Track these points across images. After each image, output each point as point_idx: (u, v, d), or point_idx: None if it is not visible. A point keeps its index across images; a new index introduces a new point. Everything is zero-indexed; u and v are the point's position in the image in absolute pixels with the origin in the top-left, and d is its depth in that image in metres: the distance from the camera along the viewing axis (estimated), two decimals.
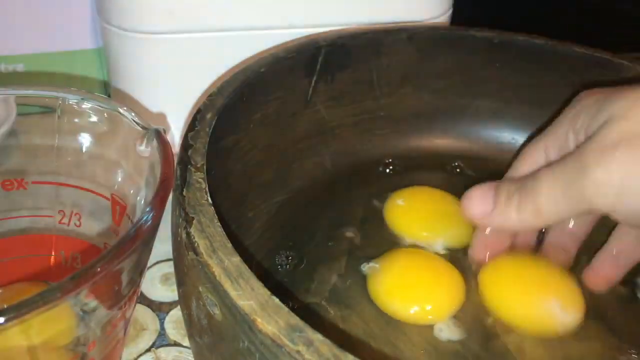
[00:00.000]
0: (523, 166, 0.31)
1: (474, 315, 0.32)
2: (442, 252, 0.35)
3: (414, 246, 0.35)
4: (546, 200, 0.27)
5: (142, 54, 0.41)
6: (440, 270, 0.33)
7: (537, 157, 0.30)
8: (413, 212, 0.36)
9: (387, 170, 0.40)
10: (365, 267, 0.34)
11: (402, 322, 0.31)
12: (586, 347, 0.30)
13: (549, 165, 0.28)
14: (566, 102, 0.40)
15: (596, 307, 0.32)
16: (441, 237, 0.35)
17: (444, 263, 0.33)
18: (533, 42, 0.39)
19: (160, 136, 0.28)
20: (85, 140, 0.31)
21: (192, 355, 0.33)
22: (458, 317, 0.31)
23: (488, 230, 0.32)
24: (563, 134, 0.29)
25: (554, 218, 0.27)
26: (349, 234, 0.36)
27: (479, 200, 0.29)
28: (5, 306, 0.19)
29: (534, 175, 0.28)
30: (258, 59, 0.35)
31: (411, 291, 0.32)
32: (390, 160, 0.41)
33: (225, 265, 0.22)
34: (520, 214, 0.28)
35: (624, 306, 0.33)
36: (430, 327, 0.31)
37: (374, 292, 0.32)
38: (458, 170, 0.41)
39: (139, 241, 0.23)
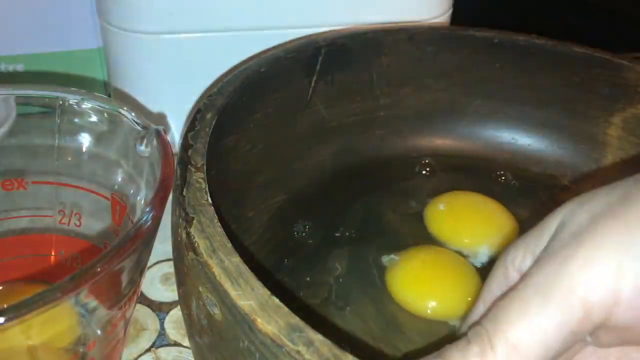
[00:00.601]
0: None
1: None
2: (486, 260, 0.34)
3: (459, 253, 0.35)
4: (523, 325, 0.19)
5: (142, 54, 0.41)
6: (459, 268, 0.33)
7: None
8: (455, 218, 0.36)
9: (388, 170, 0.40)
10: (386, 259, 0.34)
11: (402, 323, 0.31)
12: None
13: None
14: (564, 102, 0.40)
15: None
16: (485, 244, 0.34)
17: (464, 262, 0.34)
18: (533, 42, 0.39)
19: (160, 136, 0.28)
20: (85, 140, 0.31)
21: (192, 355, 0.33)
22: None
23: None
24: (501, 276, 0.23)
25: (539, 349, 0.19)
26: (349, 234, 0.36)
27: None
28: (5, 306, 0.19)
29: (487, 313, 0.21)
30: (258, 59, 0.35)
31: (431, 285, 0.33)
32: (390, 160, 0.41)
33: (225, 265, 0.22)
34: None
35: None
36: (430, 327, 0.31)
37: (392, 283, 0.33)
38: (460, 170, 0.41)
39: (139, 241, 0.23)
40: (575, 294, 0.19)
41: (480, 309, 0.24)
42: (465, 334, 0.21)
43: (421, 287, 0.32)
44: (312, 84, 0.37)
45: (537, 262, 0.21)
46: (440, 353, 0.21)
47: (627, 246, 0.19)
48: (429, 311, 0.32)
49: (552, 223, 0.21)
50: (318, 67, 0.37)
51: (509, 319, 0.20)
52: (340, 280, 0.33)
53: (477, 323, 0.21)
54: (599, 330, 0.20)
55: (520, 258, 0.22)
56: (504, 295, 0.21)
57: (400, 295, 0.32)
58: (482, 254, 0.34)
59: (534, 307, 0.19)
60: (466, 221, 0.36)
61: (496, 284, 0.23)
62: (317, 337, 0.19)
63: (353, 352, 0.19)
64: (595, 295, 0.19)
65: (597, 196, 0.21)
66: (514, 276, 0.22)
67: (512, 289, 0.21)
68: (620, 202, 0.20)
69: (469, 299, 0.31)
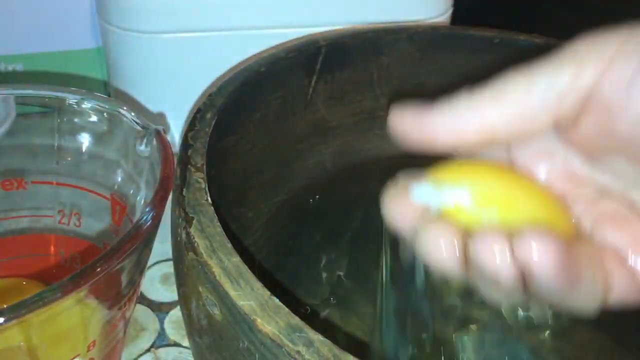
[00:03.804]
0: None
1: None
2: None
3: None
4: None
5: (142, 54, 0.41)
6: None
7: None
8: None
9: (388, 170, 0.40)
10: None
11: None
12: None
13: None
14: None
15: None
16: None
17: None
18: (533, 42, 0.39)
19: (160, 136, 0.28)
20: (85, 140, 0.31)
21: (192, 356, 0.33)
22: None
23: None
24: None
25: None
26: (349, 234, 0.36)
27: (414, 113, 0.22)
28: (5, 306, 0.19)
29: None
30: (258, 59, 0.35)
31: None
32: (390, 160, 0.41)
33: (225, 265, 0.22)
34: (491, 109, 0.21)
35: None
36: None
37: None
38: None
39: (138, 241, 0.23)
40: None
41: None
42: None
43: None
44: (312, 84, 0.37)
45: None
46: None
47: None
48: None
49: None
50: (318, 66, 0.37)
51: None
52: (341, 280, 0.33)
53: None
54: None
55: None
56: None
57: None
58: None
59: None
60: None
61: None
62: (317, 337, 0.19)
63: (353, 353, 0.19)
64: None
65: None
66: None
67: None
68: None
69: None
